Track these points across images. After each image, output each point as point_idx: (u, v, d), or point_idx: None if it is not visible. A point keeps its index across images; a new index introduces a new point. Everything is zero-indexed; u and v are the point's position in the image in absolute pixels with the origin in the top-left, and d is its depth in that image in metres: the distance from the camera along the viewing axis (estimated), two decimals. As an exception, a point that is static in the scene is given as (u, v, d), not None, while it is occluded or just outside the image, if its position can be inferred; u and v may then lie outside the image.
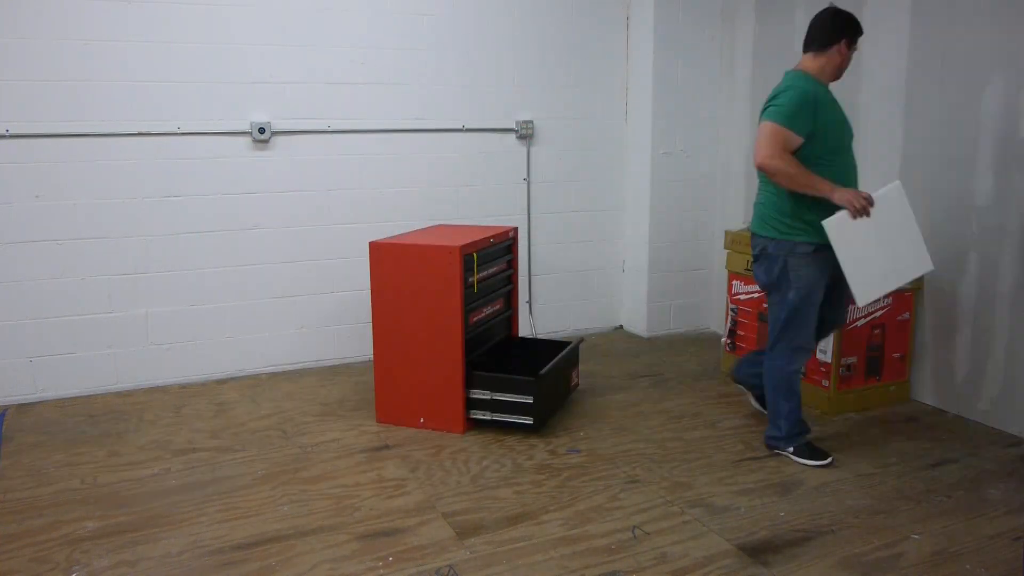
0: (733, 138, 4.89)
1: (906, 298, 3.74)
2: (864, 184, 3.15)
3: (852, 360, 3.68)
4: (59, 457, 3.25)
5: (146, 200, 3.95)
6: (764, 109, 2.98)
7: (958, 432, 3.46)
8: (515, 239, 3.95)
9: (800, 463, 3.13)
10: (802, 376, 3.30)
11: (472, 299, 3.49)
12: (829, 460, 3.12)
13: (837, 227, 2.90)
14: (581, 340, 3.99)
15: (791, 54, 4.36)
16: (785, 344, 3.12)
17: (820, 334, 3.23)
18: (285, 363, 4.37)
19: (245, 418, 3.67)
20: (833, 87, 3.00)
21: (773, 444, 3.23)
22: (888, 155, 3.85)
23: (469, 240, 3.47)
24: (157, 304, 4.05)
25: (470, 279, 3.44)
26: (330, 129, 4.26)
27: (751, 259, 3.28)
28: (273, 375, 4.30)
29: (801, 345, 3.12)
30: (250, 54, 4.03)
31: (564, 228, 4.94)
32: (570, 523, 2.70)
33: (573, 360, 3.83)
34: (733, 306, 4.25)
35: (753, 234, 3.15)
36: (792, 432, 3.17)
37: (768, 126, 2.88)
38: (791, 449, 3.17)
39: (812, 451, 3.16)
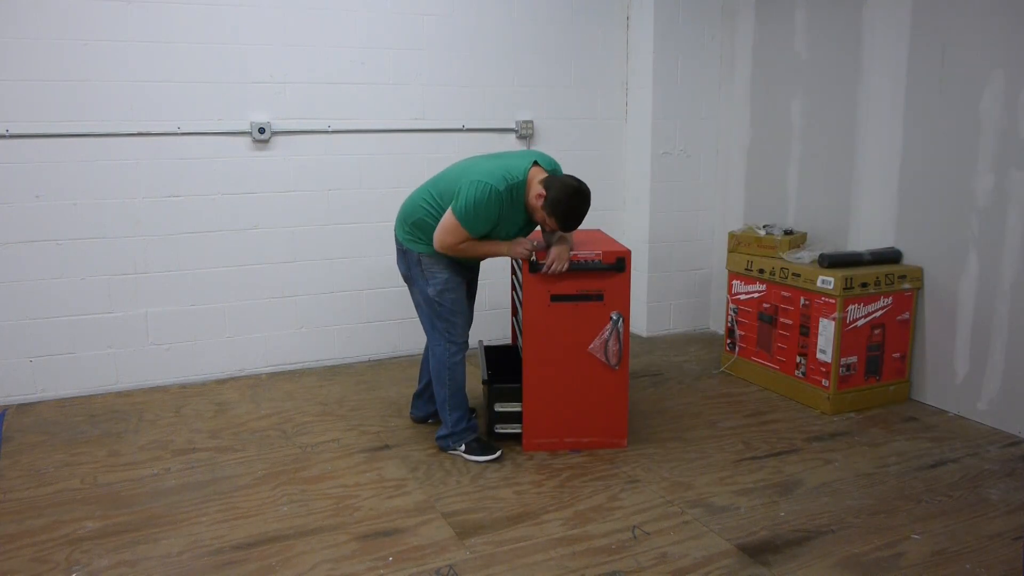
0: (733, 138, 4.89)
1: (906, 298, 3.74)
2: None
3: (852, 360, 3.68)
4: (59, 457, 3.25)
5: (146, 200, 3.95)
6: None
7: (958, 432, 3.46)
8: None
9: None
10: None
11: None
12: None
13: None
14: None
15: (791, 54, 4.38)
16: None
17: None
18: (285, 363, 4.37)
19: (245, 418, 3.67)
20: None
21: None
22: (888, 155, 3.85)
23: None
24: (157, 304, 4.05)
25: None
26: (330, 129, 4.25)
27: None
28: (273, 375, 4.30)
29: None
30: (250, 54, 4.03)
31: (564, 228, 4.94)
32: (570, 523, 2.70)
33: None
34: (733, 306, 4.25)
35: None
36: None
37: None
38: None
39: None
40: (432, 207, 3.09)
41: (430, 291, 3.15)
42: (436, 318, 3.19)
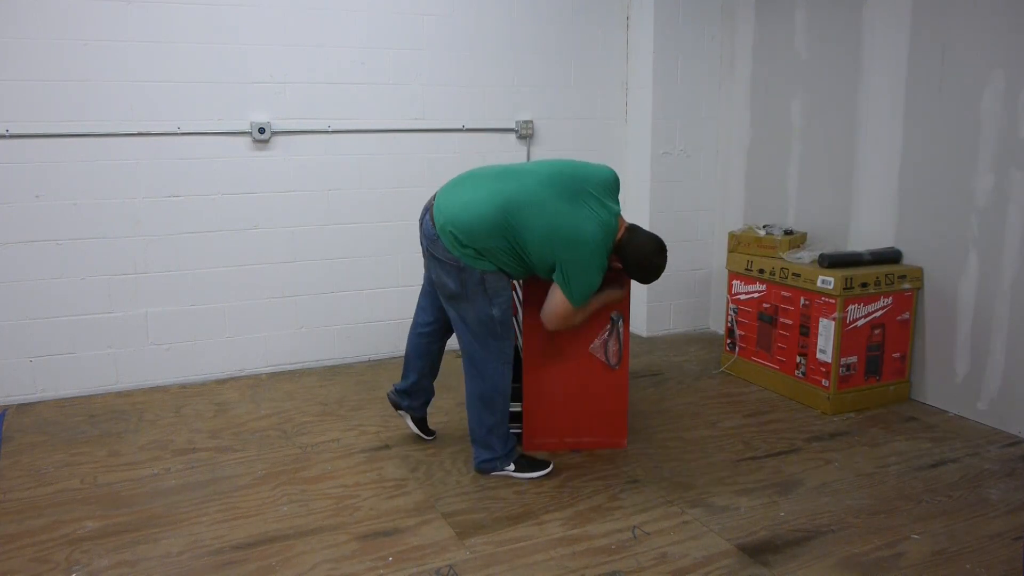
0: (733, 138, 4.89)
1: (906, 298, 3.74)
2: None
3: (852, 360, 3.68)
4: (59, 457, 3.25)
5: (146, 200, 3.95)
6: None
7: (958, 432, 3.46)
8: None
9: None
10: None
11: None
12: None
13: None
14: None
15: (791, 54, 4.38)
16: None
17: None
18: (285, 363, 4.37)
19: (245, 418, 3.67)
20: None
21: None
22: (888, 155, 3.85)
23: None
24: (157, 304, 4.05)
25: None
26: (330, 129, 4.26)
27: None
28: (273, 375, 4.30)
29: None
30: (250, 54, 4.03)
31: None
32: (570, 523, 2.70)
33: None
34: (733, 306, 4.25)
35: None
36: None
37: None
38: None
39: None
40: (510, 254, 2.82)
41: (495, 312, 2.88)
42: (491, 337, 2.93)
